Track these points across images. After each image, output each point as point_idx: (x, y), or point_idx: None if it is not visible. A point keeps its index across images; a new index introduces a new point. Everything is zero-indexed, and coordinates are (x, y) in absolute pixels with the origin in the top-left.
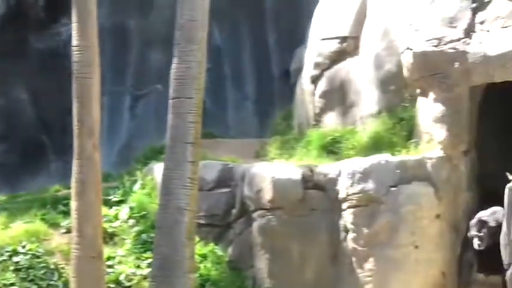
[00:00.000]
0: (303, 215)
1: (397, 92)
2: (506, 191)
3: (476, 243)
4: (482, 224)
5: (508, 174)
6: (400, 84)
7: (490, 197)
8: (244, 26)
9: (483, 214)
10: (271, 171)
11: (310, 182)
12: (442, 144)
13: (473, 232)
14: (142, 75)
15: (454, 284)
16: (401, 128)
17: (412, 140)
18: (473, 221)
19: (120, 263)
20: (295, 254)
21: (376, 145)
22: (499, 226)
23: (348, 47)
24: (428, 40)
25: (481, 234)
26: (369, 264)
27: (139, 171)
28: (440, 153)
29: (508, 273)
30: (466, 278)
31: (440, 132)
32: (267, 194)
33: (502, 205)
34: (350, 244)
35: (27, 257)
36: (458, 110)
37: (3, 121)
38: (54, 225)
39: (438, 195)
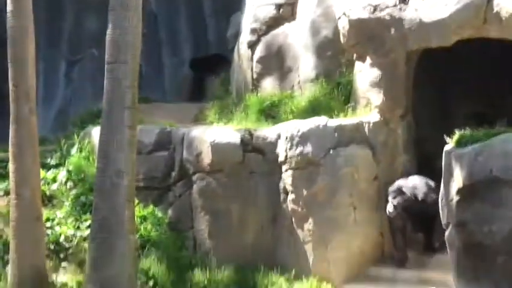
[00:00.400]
0: (242, 178)
1: (334, 58)
2: (443, 154)
3: (389, 209)
4: (399, 193)
5: (445, 137)
6: (337, 50)
7: (427, 160)
8: None
9: (403, 184)
10: (211, 134)
11: (249, 146)
12: (379, 108)
13: (389, 197)
14: (78, 41)
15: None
16: (339, 93)
17: (350, 105)
18: (393, 188)
19: (59, 224)
20: (235, 216)
21: (314, 109)
22: (415, 200)
23: (284, 13)
24: (364, 7)
25: (395, 202)
26: (309, 225)
27: (76, 135)
28: (378, 117)
29: (446, 233)
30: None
31: (377, 97)
32: (207, 157)
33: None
34: (289, 206)
35: None
36: (394, 75)
37: None
38: None
39: (376, 157)
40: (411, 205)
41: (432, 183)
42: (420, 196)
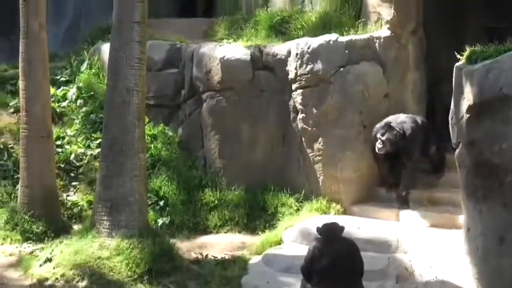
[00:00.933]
0: (252, 96)
1: None
2: (454, 71)
3: (377, 146)
4: (388, 128)
5: (456, 53)
6: None
7: (438, 77)
8: None
9: (392, 120)
10: (220, 51)
11: (259, 63)
12: (390, 23)
13: (378, 135)
14: None
15: None
16: (350, 8)
17: (360, 20)
18: (381, 124)
19: (69, 143)
20: (245, 135)
21: (325, 25)
22: (403, 136)
23: None
24: None
25: (384, 138)
26: (318, 145)
27: (86, 51)
28: (388, 33)
29: (456, 151)
30: None
31: (388, 12)
32: (216, 75)
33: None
34: (299, 124)
35: None
36: None
37: None
38: (2, 105)
39: (386, 75)
40: (398, 142)
41: (420, 121)
42: (408, 132)
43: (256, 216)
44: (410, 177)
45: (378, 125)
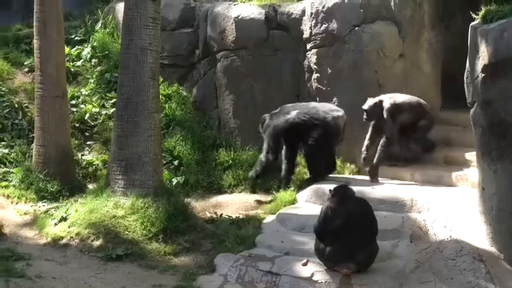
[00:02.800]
0: (266, 56)
1: None
2: (469, 30)
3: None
4: (391, 97)
5: (471, 12)
6: None
7: (453, 36)
8: None
9: (384, 97)
10: (235, 11)
11: (274, 22)
12: None
13: (365, 107)
14: None
15: None
16: None
17: None
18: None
19: (84, 102)
20: (259, 95)
21: None
22: (393, 107)
23: None
24: None
25: (365, 108)
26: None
27: (100, 11)
28: None
29: (471, 111)
30: None
31: None
32: (231, 34)
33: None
34: (314, 84)
35: None
36: None
37: None
38: (17, 64)
39: (401, 34)
40: (374, 114)
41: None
42: (386, 107)
43: (271, 176)
44: (384, 150)
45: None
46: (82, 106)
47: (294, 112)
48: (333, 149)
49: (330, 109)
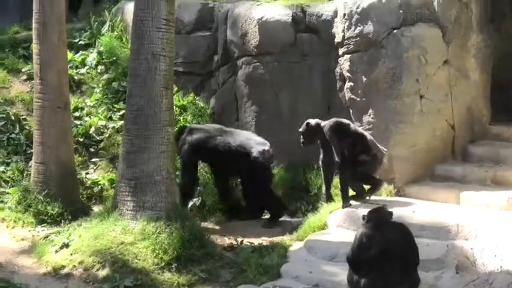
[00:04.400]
0: (294, 62)
1: None
2: None
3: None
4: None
5: None
6: None
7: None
8: None
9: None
10: (258, 12)
11: (302, 24)
12: None
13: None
14: None
15: (464, 136)
16: None
17: None
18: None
19: (89, 114)
20: (285, 106)
21: None
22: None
23: None
24: None
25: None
26: (368, 117)
27: (107, 11)
28: None
29: None
30: None
31: None
32: (254, 38)
33: None
34: (347, 94)
35: None
36: None
37: None
38: (14, 72)
39: (446, 38)
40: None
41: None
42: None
43: (297, 197)
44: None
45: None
46: (86, 119)
47: None
48: None
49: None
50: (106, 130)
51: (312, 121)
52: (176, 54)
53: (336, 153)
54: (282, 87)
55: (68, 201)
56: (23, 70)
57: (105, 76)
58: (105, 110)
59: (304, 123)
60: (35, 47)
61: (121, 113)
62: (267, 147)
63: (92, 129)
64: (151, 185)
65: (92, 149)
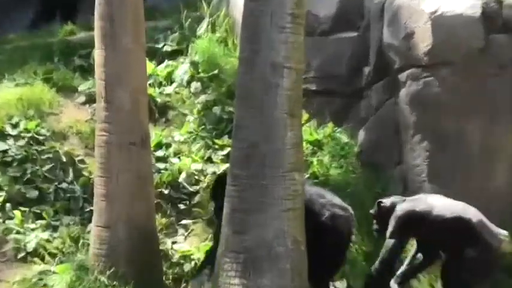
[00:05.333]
0: (486, 76)
1: None
2: None
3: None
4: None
5: None
6: None
7: None
8: None
9: None
10: (430, 2)
11: (497, 21)
12: None
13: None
14: None
15: None
16: None
17: None
18: None
19: (178, 154)
20: (476, 142)
21: None
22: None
23: None
24: None
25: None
26: None
27: (206, 3)
28: None
29: None
30: None
31: None
32: (424, 41)
33: None
34: None
35: (22, 142)
36: None
37: None
38: (66, 91)
39: None
40: None
41: None
42: None
43: None
44: None
45: None
46: (175, 160)
47: None
48: None
49: None
50: (203, 177)
51: (387, 201)
52: (307, 66)
53: None
54: (469, 114)
55: (145, 285)
56: (79, 89)
57: (202, 98)
58: (202, 148)
59: (376, 204)
60: (98, 55)
61: (225, 151)
62: None
63: (183, 175)
64: (270, 260)
65: (181, 206)
